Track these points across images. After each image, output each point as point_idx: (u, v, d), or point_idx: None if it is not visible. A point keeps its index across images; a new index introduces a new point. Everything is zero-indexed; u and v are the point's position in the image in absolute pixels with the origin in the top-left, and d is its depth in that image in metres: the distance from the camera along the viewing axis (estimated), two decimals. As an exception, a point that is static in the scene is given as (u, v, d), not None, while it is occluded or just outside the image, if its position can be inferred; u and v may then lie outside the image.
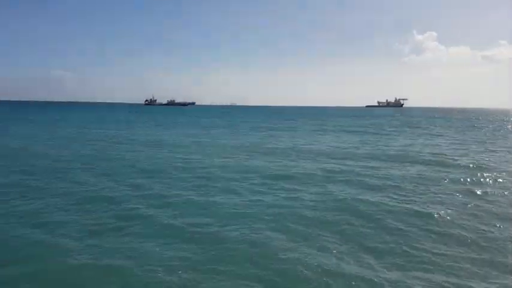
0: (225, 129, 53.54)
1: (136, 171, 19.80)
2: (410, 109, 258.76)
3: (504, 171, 20.82)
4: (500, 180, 18.66)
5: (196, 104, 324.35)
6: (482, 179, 18.80)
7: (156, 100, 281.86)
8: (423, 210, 13.56)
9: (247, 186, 16.89)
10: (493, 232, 11.55)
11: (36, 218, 12.26)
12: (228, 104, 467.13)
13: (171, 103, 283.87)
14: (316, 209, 13.57)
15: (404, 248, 10.32)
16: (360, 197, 15.19)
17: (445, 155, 27.35)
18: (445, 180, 18.52)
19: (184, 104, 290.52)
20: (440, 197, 15.48)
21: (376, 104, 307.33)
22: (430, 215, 12.95)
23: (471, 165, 22.54)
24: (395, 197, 15.36)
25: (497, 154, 28.50)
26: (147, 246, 10.14)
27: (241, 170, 20.49)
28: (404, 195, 15.58)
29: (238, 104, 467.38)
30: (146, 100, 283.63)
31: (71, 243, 10.27)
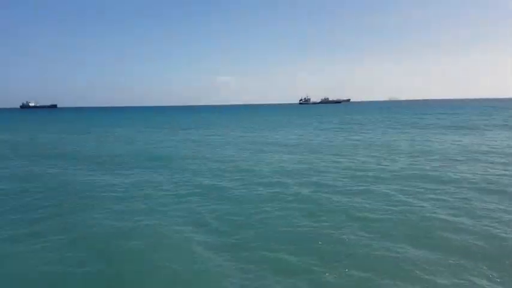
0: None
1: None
2: None
3: None
4: None
5: (351, 100, 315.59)
6: None
7: (310, 99, 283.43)
8: None
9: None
10: None
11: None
12: (386, 99, 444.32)
13: (325, 101, 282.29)
14: None
15: None
16: None
17: None
18: None
19: (338, 102, 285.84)
20: None
21: None
22: None
23: None
24: None
25: None
26: None
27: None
28: None
29: (395, 99, 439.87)
30: (300, 99, 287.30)
31: None
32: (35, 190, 16.02)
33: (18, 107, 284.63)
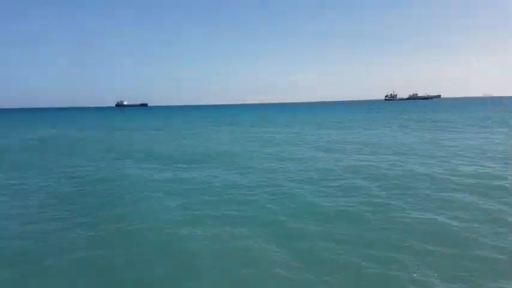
0: None
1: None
2: None
3: None
4: None
5: (441, 96, 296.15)
6: None
7: (396, 95, 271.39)
8: None
9: None
10: None
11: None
12: (480, 95, 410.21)
13: (413, 97, 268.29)
14: None
15: None
16: None
17: None
18: None
19: (427, 98, 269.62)
20: None
21: None
22: None
23: None
24: None
25: None
26: None
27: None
28: None
29: (489, 95, 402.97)
30: (386, 96, 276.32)
31: None
32: (110, 184, 16.73)
33: (114, 105, 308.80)
